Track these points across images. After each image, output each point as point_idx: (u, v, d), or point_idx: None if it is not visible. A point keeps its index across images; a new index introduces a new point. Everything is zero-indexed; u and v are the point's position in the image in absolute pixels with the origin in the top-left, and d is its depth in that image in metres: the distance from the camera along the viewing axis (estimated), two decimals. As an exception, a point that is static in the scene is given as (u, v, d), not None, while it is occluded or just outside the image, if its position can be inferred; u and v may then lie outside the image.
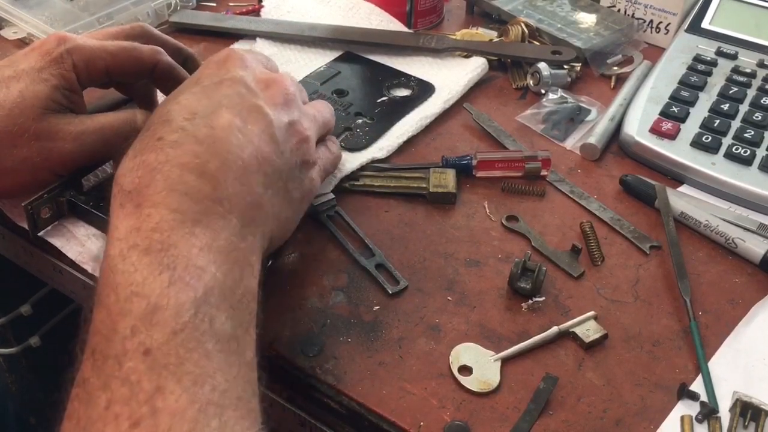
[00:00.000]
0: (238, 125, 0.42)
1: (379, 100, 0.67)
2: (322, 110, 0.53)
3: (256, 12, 0.80)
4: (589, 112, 0.68)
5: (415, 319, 0.49)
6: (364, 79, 0.71)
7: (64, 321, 0.94)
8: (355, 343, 0.47)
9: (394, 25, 0.77)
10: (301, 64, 0.72)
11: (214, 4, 0.82)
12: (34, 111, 0.49)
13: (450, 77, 0.70)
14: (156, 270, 0.35)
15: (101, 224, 0.52)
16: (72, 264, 0.53)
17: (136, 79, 0.55)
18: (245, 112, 0.43)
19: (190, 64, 0.58)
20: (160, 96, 0.59)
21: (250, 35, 0.75)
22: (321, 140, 0.54)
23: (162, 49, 0.54)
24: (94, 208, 0.52)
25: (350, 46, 0.74)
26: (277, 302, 0.50)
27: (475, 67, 0.71)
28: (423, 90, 0.69)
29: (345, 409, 0.45)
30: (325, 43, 0.75)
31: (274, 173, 0.44)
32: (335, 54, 0.74)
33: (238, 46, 0.74)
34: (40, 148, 0.50)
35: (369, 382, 0.45)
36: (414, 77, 0.71)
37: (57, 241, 0.52)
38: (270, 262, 0.52)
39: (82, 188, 0.53)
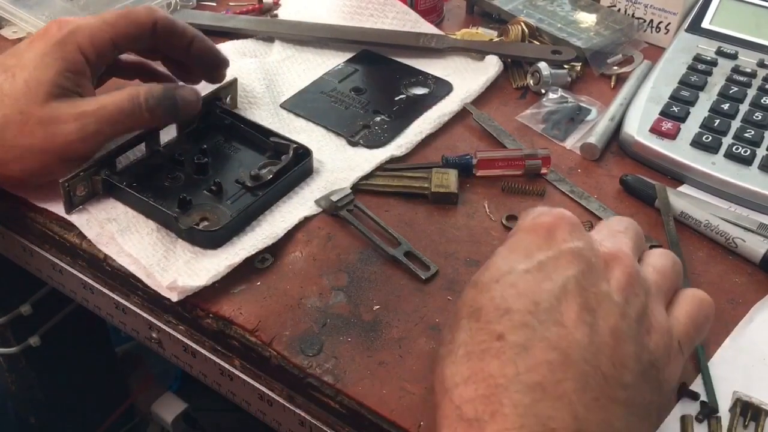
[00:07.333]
0: (588, 321, 0.34)
1: (396, 98, 0.68)
2: (664, 269, 0.41)
3: (256, 11, 0.80)
4: (589, 111, 0.68)
5: (415, 319, 0.49)
6: (382, 77, 0.71)
7: (64, 321, 0.94)
8: (355, 343, 0.47)
9: (410, 17, 0.76)
10: (319, 62, 0.72)
11: (214, 4, 0.82)
12: (39, 98, 0.50)
13: (467, 76, 0.71)
14: None
15: (134, 202, 0.54)
16: (72, 263, 0.53)
17: (142, 44, 0.56)
18: (594, 302, 0.35)
19: (197, 44, 0.58)
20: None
21: (250, 35, 0.75)
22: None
23: (155, 6, 0.55)
24: (128, 186, 0.54)
25: (350, 46, 0.74)
26: (277, 302, 0.50)
27: (492, 65, 0.71)
28: (440, 88, 0.69)
29: (345, 408, 0.45)
30: (338, 43, 0.74)
31: (632, 386, 0.34)
32: (351, 53, 0.74)
33: (238, 44, 0.74)
34: (45, 133, 0.50)
35: (369, 382, 0.45)
36: (432, 75, 0.71)
37: (77, 221, 0.53)
38: (271, 260, 0.52)
39: (116, 167, 0.55)
